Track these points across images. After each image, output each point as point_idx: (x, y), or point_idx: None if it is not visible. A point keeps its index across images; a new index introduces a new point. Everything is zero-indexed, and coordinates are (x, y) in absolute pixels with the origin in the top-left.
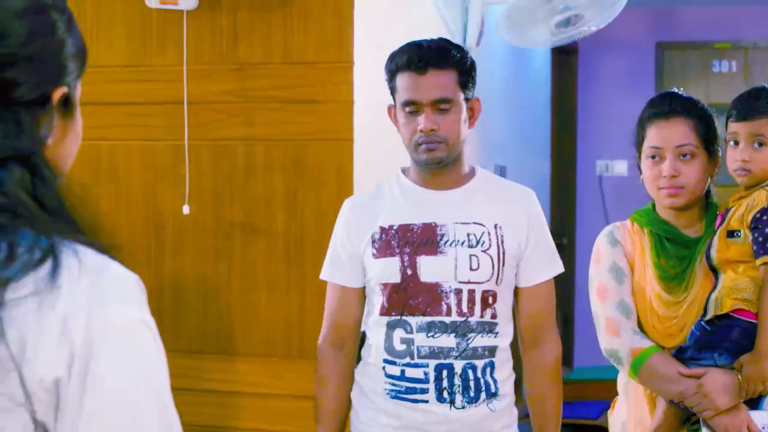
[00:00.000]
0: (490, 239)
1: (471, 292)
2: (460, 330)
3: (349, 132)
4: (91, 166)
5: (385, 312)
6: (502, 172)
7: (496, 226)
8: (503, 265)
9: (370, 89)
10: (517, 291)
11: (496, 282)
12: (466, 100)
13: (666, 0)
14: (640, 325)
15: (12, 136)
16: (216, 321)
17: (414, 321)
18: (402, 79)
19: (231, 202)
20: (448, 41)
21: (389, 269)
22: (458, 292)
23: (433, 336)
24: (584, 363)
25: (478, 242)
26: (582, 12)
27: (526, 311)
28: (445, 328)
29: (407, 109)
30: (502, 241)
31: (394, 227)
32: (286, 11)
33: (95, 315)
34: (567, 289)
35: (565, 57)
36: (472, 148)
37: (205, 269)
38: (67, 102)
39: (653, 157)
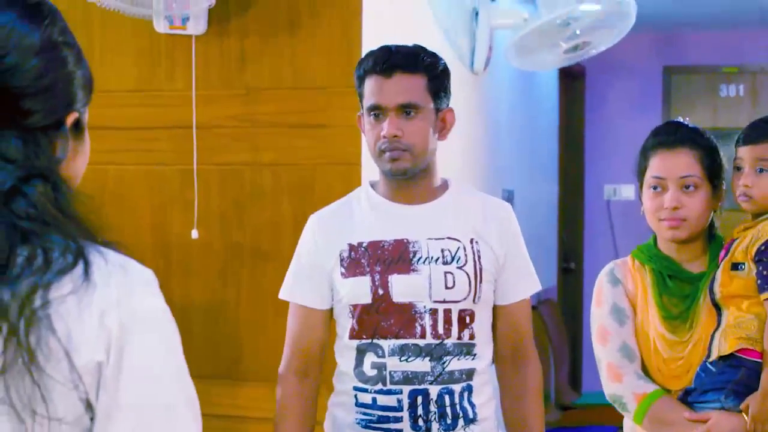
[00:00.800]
0: (466, 255)
1: (447, 312)
2: (435, 353)
3: (357, 156)
4: (99, 190)
5: (354, 335)
6: (509, 196)
7: (472, 241)
8: (480, 282)
9: None
10: (494, 310)
11: (474, 300)
12: (437, 110)
13: (673, 24)
14: (644, 368)
15: (33, 156)
16: (224, 345)
17: (386, 344)
18: (368, 83)
19: (239, 226)
20: (421, 47)
21: (359, 289)
22: (433, 312)
23: (406, 360)
24: (593, 387)
25: (453, 258)
26: (590, 39)
27: (504, 330)
28: (419, 352)
29: (372, 113)
30: (479, 257)
31: (364, 244)
32: (294, 36)
33: (126, 306)
34: (575, 311)
35: (572, 81)
36: (478, 173)
37: (213, 293)
38: (77, 125)
39: (655, 187)
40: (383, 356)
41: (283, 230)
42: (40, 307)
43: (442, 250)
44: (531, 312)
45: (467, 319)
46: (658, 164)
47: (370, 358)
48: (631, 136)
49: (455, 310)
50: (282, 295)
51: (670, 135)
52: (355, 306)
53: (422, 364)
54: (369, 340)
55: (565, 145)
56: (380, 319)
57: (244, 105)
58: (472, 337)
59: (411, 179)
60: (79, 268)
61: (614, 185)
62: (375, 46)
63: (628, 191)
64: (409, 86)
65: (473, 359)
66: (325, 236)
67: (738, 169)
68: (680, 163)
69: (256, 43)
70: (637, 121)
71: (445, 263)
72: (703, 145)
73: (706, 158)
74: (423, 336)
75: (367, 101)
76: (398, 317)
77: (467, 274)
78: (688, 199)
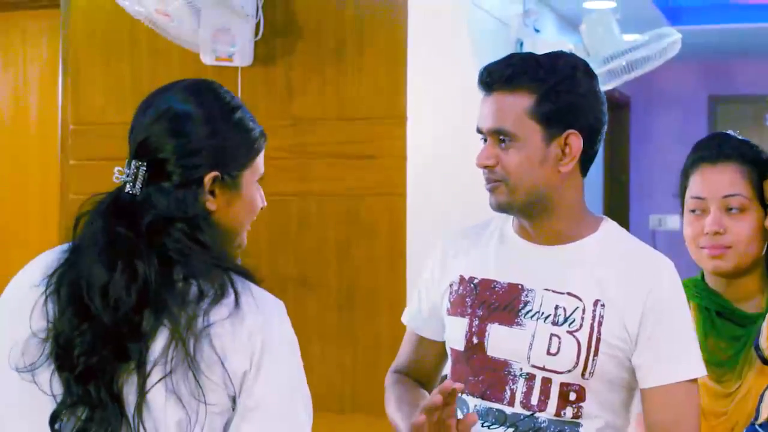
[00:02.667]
0: (583, 318)
1: (545, 382)
2: (523, 426)
3: (403, 186)
4: None
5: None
6: None
7: (596, 303)
8: (595, 355)
9: (423, 144)
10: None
11: (583, 375)
12: (549, 137)
13: (718, 53)
14: None
15: (178, 206)
16: None
17: (472, 403)
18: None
19: (284, 255)
20: (551, 55)
21: (456, 332)
22: (530, 377)
23: (488, 427)
24: None
25: (565, 320)
26: (638, 69)
27: (646, 421)
28: (503, 420)
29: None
30: (600, 323)
31: (476, 280)
32: (340, 67)
33: (267, 330)
34: None
35: (618, 111)
36: None
37: None
38: (225, 180)
39: (694, 210)
40: None
41: (328, 259)
42: (203, 327)
43: (557, 308)
44: (691, 403)
45: (572, 396)
46: (698, 183)
47: (458, 415)
48: (676, 165)
49: (556, 381)
50: (402, 317)
51: (712, 149)
52: (452, 350)
53: None
54: (459, 395)
55: (610, 175)
56: (469, 372)
57: (290, 136)
58: (577, 416)
59: (528, 217)
60: (231, 298)
61: (660, 215)
62: (420, 76)
63: (674, 222)
64: (504, 107)
65: None
66: (443, 259)
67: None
68: (724, 180)
69: (302, 74)
70: (683, 150)
71: (555, 323)
72: (752, 159)
73: (756, 175)
74: (511, 403)
75: None
76: (489, 375)
77: (578, 341)
78: (732, 222)
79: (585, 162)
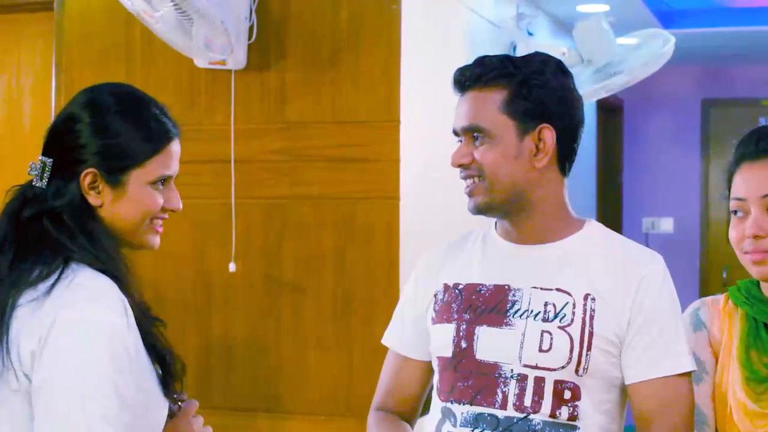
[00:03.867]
0: (574, 313)
1: (539, 381)
2: (515, 430)
3: (396, 191)
4: None
5: (438, 394)
6: None
7: (586, 297)
8: (588, 350)
9: (417, 148)
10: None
11: (577, 371)
12: (523, 131)
13: (712, 57)
14: None
15: (51, 198)
16: (265, 379)
17: (459, 411)
18: None
19: (279, 260)
20: (524, 54)
21: (443, 338)
22: (521, 378)
23: None
24: None
25: (556, 315)
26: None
27: (634, 417)
28: (495, 425)
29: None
30: (592, 317)
31: (460, 286)
32: (334, 71)
33: (63, 313)
34: None
35: (611, 114)
36: None
37: (253, 327)
38: (107, 178)
39: (736, 212)
40: (455, 425)
41: (324, 264)
42: (11, 308)
43: (546, 304)
44: (681, 398)
45: (566, 394)
46: (739, 182)
47: (444, 426)
48: (669, 169)
49: (549, 379)
50: (383, 339)
51: (751, 144)
52: (439, 359)
53: None
54: (445, 403)
55: (603, 179)
56: (457, 377)
57: (284, 139)
58: (573, 417)
59: (509, 216)
60: (49, 283)
61: (653, 218)
62: (414, 80)
63: (666, 224)
64: (478, 104)
65: None
66: (425, 274)
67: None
68: (763, 178)
69: (296, 78)
70: (676, 154)
71: (545, 320)
72: None
73: None
74: (503, 406)
75: None
76: (478, 379)
77: (570, 336)
78: None
79: (563, 160)
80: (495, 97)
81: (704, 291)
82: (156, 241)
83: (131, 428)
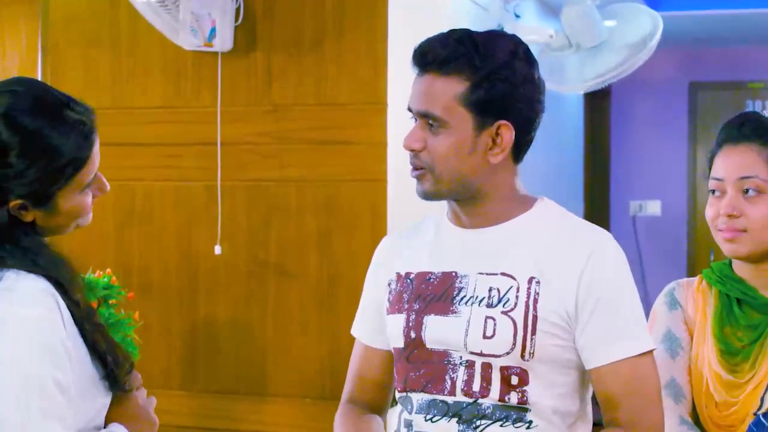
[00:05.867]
0: (517, 297)
1: (486, 367)
2: (466, 414)
3: (383, 173)
4: (126, 206)
5: (396, 384)
6: None
7: (531, 281)
8: (533, 334)
9: (403, 130)
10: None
11: (523, 356)
12: (480, 126)
13: (698, 40)
14: (695, 413)
15: None
16: (249, 362)
17: (415, 398)
18: None
19: (264, 243)
20: (491, 37)
21: (395, 329)
22: (469, 365)
23: (431, 420)
24: None
25: (500, 300)
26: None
27: (599, 402)
28: (446, 411)
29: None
30: (536, 301)
31: (412, 275)
32: (319, 54)
33: None
34: None
35: (598, 98)
36: None
37: (238, 310)
38: (40, 203)
39: (714, 191)
40: (411, 412)
41: (309, 247)
42: None
43: (490, 290)
44: (642, 378)
45: (513, 380)
46: (718, 164)
47: (403, 414)
48: (656, 151)
49: (496, 366)
50: (352, 329)
51: (734, 128)
52: (394, 349)
53: (448, 426)
54: (403, 393)
55: (591, 162)
56: (410, 368)
57: (270, 122)
58: (523, 401)
59: (457, 202)
60: None
61: (640, 201)
62: (400, 63)
63: (654, 207)
64: (434, 90)
65: (527, 429)
66: (380, 263)
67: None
68: (741, 161)
69: (281, 61)
70: (663, 137)
71: (489, 306)
72: None
73: None
74: (452, 392)
75: None
76: (429, 368)
77: (513, 321)
78: (749, 206)
79: (518, 150)
80: (455, 87)
81: (692, 273)
82: (89, 218)
83: (76, 418)
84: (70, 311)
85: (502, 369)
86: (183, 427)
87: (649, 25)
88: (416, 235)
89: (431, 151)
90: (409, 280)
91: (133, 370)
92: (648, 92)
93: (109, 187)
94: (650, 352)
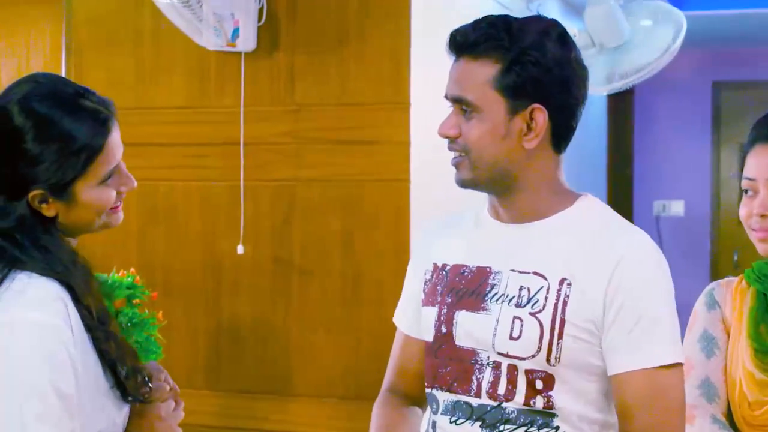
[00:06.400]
0: (546, 298)
1: (512, 369)
2: (489, 418)
3: (406, 173)
4: (149, 205)
5: (425, 380)
6: None
7: (562, 282)
8: (560, 338)
9: (426, 130)
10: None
11: (548, 360)
12: (513, 109)
13: (723, 40)
14: (730, 414)
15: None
16: (273, 361)
17: (441, 398)
18: None
19: (288, 242)
20: (524, 20)
21: (427, 322)
22: (496, 366)
23: (455, 422)
24: None
25: (529, 300)
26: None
27: (616, 411)
28: (470, 413)
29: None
30: (565, 303)
31: (447, 267)
32: (342, 53)
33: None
34: None
35: (621, 98)
36: None
37: (261, 309)
38: (58, 193)
39: (746, 191)
40: (437, 413)
41: (332, 246)
42: None
43: (521, 288)
44: (666, 391)
45: (539, 384)
46: (751, 163)
47: (430, 414)
48: (680, 152)
49: (521, 368)
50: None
51: (764, 127)
52: (425, 343)
53: (472, 430)
54: (429, 389)
55: (614, 162)
56: (438, 363)
57: (292, 121)
58: (549, 406)
59: (496, 194)
60: None
61: (664, 201)
62: (423, 62)
63: (677, 207)
64: (468, 75)
65: None
66: (420, 250)
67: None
68: None
69: (304, 61)
70: (687, 137)
71: (518, 305)
72: None
73: None
74: (478, 394)
75: None
76: (456, 366)
77: (540, 323)
78: None
79: (557, 139)
80: (486, 70)
81: (715, 273)
82: (118, 218)
83: (85, 427)
84: (81, 317)
85: (527, 372)
86: (207, 426)
87: (674, 24)
88: (456, 225)
89: (465, 136)
90: (444, 272)
91: (161, 380)
92: (671, 92)
93: (135, 183)
94: (676, 365)
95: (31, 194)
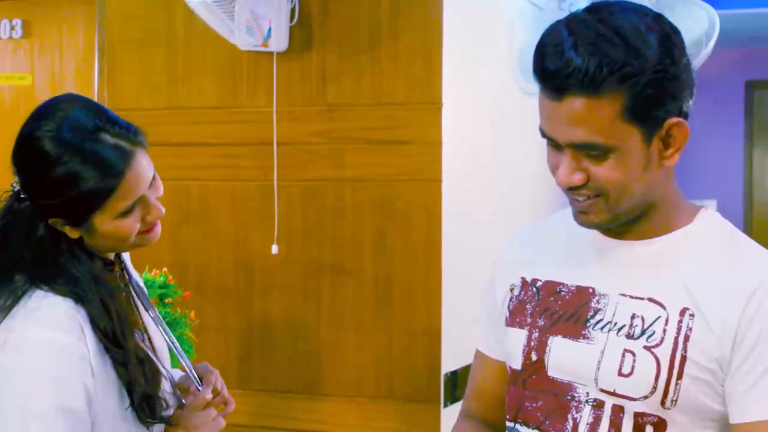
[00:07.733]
0: (665, 331)
1: (616, 410)
2: None
3: (438, 173)
4: (181, 206)
5: (506, 411)
6: None
7: (683, 313)
8: (679, 378)
9: (458, 130)
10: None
11: (663, 403)
12: (649, 135)
13: (755, 39)
14: None
15: (23, 236)
16: (304, 361)
17: None
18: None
19: (320, 242)
20: (635, 30)
21: (513, 346)
22: (598, 405)
23: None
24: None
25: (643, 333)
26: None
27: None
28: None
29: (545, 139)
30: (687, 338)
31: (538, 283)
32: (375, 53)
33: (10, 332)
34: None
35: None
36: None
37: (293, 309)
38: (76, 224)
39: None
40: None
41: (364, 246)
42: None
43: (633, 317)
44: None
45: (648, 429)
46: None
47: None
48: (712, 152)
49: (629, 410)
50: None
51: None
52: (510, 369)
53: None
54: (512, 423)
55: None
56: (526, 396)
57: (325, 122)
58: None
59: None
60: (6, 306)
61: (696, 201)
62: (455, 62)
63: (711, 207)
64: (588, 117)
65: None
66: (504, 260)
67: None
68: None
69: (337, 60)
70: (719, 137)
71: (629, 336)
72: None
73: None
74: None
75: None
76: (548, 400)
77: (657, 360)
78: None
79: None
80: (614, 104)
81: None
82: (153, 238)
83: None
84: (97, 338)
85: (637, 415)
86: (238, 425)
87: (707, 22)
88: (548, 232)
89: (599, 180)
90: (535, 289)
91: (211, 382)
92: (703, 92)
93: (163, 211)
94: None
95: (51, 220)
